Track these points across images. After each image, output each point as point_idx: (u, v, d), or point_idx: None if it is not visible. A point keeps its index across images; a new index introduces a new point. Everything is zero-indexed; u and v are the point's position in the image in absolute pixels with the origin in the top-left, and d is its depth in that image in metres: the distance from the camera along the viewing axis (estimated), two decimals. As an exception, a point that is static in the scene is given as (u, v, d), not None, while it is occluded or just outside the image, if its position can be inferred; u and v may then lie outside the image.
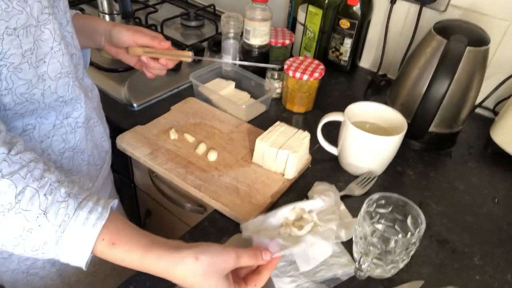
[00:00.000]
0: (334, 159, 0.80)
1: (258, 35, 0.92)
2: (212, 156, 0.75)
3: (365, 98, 1.01)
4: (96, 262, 0.71)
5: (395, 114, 0.76)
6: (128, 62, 0.74)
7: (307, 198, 0.69)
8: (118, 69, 0.96)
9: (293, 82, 0.88)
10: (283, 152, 0.70)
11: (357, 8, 0.99)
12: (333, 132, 0.79)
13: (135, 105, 0.88)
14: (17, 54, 0.45)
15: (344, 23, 1.01)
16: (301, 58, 0.92)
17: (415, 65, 0.81)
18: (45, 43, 0.48)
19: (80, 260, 0.43)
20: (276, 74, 0.92)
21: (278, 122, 0.77)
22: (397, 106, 0.84)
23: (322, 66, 0.89)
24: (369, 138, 0.70)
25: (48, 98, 0.52)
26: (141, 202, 1.00)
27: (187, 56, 0.72)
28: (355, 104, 0.77)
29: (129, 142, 0.76)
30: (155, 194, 0.87)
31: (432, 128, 0.81)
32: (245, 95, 0.92)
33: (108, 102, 0.89)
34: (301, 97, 0.90)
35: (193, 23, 1.21)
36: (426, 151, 0.86)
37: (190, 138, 0.78)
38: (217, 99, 0.89)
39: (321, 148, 0.80)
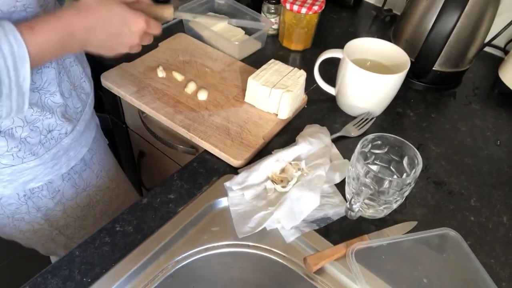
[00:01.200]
0: (332, 100, 0.76)
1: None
2: (202, 96, 0.71)
3: (369, 35, 0.94)
4: (85, 206, 0.71)
5: (398, 51, 0.70)
6: None
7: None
8: (103, 3, 0.89)
9: (290, 16, 0.82)
10: (276, 91, 0.67)
11: None
12: (331, 71, 0.74)
13: (121, 41, 0.82)
14: None
15: (349, -49, 0.92)
16: (299, -11, 0.85)
17: (423, -3, 0.74)
18: None
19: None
20: (272, 8, 0.86)
21: (272, 60, 0.73)
22: (401, 43, 0.79)
23: (322, -1, 0.83)
24: (368, 76, 0.66)
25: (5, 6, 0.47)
26: (134, 143, 0.98)
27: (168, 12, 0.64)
28: (355, 40, 0.71)
29: (114, 80, 0.72)
30: (146, 135, 0.85)
31: (436, 67, 0.76)
32: (239, 32, 0.86)
33: (92, 38, 0.84)
34: (299, 33, 0.84)
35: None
36: (429, 91, 0.81)
37: (179, 77, 0.74)
38: (209, 36, 0.83)
39: (318, 88, 0.76)
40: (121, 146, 1.02)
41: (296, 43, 0.86)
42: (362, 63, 0.69)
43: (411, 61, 0.68)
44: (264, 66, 0.71)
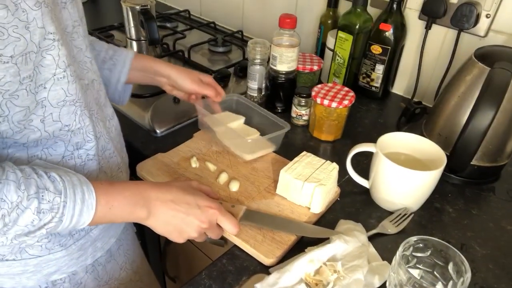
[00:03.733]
0: (365, 192, 0.74)
1: (285, 61, 0.89)
2: (234, 187, 0.71)
3: (399, 126, 0.95)
4: None
5: (432, 146, 0.70)
6: (182, 98, 0.83)
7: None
8: (144, 95, 0.96)
9: (321, 109, 0.84)
10: (309, 185, 0.66)
11: (389, 33, 0.95)
12: (363, 162, 0.74)
13: (158, 131, 0.86)
14: (13, 81, 0.43)
15: (376, 49, 0.97)
16: (329, 84, 0.88)
17: (454, 93, 0.75)
18: (46, 69, 0.46)
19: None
20: (303, 101, 0.89)
21: (304, 152, 0.73)
22: (434, 136, 0.79)
23: (352, 93, 0.85)
24: (404, 172, 0.64)
25: (51, 126, 0.50)
26: (162, 231, 0.97)
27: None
28: (388, 134, 0.71)
29: (149, 170, 0.74)
30: (175, 223, 0.84)
31: (473, 162, 0.74)
32: (253, 132, 0.82)
33: (131, 128, 0.88)
34: (330, 125, 0.86)
35: (221, 49, 1.20)
36: (466, 186, 0.78)
37: (211, 167, 0.75)
38: (221, 133, 0.80)
39: (350, 179, 0.75)
40: (148, 232, 1.01)
41: (327, 134, 0.87)
42: (396, 157, 0.68)
43: (446, 155, 0.67)
44: (296, 159, 0.71)
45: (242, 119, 0.85)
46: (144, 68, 0.75)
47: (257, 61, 0.93)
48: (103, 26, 1.28)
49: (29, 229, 0.45)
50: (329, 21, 1.08)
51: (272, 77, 0.93)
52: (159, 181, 0.72)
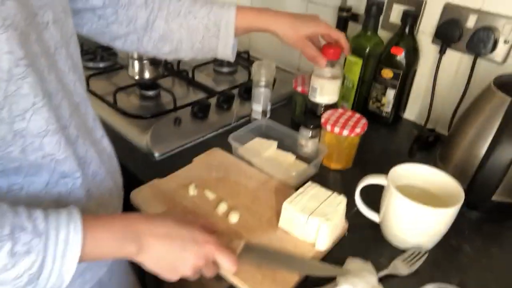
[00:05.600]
0: (376, 227, 0.69)
1: (326, 93, 0.84)
2: (234, 218, 0.67)
3: (411, 154, 0.90)
4: None
5: (449, 180, 0.64)
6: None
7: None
8: (144, 116, 0.92)
9: (331, 137, 0.80)
10: (314, 219, 0.61)
11: (401, 57, 0.91)
12: (373, 193, 0.68)
13: (156, 154, 0.82)
14: None
15: (387, 73, 0.93)
16: (340, 110, 0.84)
17: (472, 123, 0.71)
18: (25, 98, 0.43)
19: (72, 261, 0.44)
20: (312, 133, 0.84)
21: (309, 183, 0.68)
22: (450, 168, 0.74)
23: (364, 121, 0.81)
24: (418, 208, 0.59)
25: (32, 155, 0.46)
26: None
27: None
28: (400, 166, 0.66)
29: (144, 198, 0.69)
30: (171, 253, 0.79)
31: (494, 197, 0.69)
32: (289, 157, 0.83)
33: (129, 150, 0.84)
34: (340, 154, 0.81)
35: (226, 69, 1.17)
36: (485, 222, 0.73)
37: (210, 195, 0.71)
38: (261, 163, 0.80)
39: (359, 212, 0.70)
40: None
41: (336, 162, 0.82)
42: (408, 191, 0.63)
43: (464, 189, 0.62)
44: (300, 190, 0.67)
45: (274, 144, 0.85)
46: (249, 28, 0.74)
47: (262, 83, 0.89)
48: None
49: (3, 276, 0.41)
50: (339, 43, 1.05)
51: (309, 109, 0.88)
52: (154, 211, 0.67)
